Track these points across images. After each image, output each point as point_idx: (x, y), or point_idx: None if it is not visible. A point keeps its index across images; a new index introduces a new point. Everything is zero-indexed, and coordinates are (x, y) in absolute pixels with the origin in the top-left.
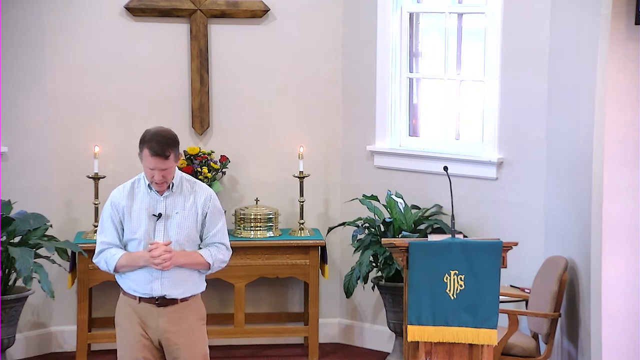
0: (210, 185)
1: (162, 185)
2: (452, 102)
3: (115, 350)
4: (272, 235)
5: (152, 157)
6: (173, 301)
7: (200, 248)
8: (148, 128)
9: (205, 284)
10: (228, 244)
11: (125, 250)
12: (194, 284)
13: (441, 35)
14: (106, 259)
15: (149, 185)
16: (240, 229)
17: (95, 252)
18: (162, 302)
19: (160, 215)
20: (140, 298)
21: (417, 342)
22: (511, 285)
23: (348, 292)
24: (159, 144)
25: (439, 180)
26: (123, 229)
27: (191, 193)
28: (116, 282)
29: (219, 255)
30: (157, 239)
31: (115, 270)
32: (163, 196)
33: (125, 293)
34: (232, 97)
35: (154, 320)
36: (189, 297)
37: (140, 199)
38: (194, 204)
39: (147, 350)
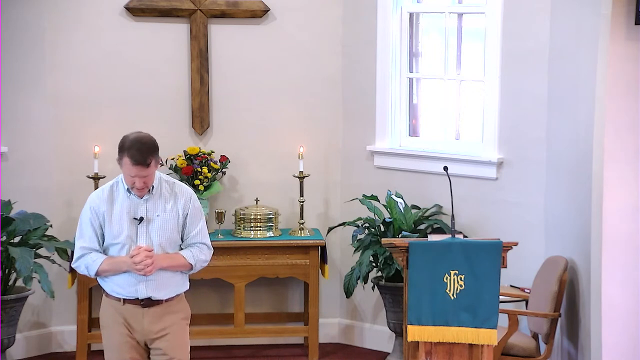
0: (210, 186)
1: (143, 191)
2: (452, 102)
3: None
4: (272, 235)
5: (134, 166)
6: (158, 302)
7: (181, 249)
8: (126, 134)
9: (189, 284)
10: (209, 243)
11: (106, 254)
12: (177, 285)
13: (441, 35)
14: (87, 264)
15: (127, 189)
16: (240, 229)
17: (74, 256)
18: (147, 303)
19: (142, 218)
20: (124, 300)
21: (417, 342)
22: (511, 285)
23: (348, 292)
24: (140, 151)
25: (439, 180)
26: (103, 234)
27: (171, 195)
28: None
29: (200, 255)
30: (140, 242)
31: (97, 275)
32: (143, 199)
33: (108, 295)
34: (232, 97)
35: (138, 321)
36: (174, 296)
37: (120, 202)
38: (175, 206)
39: (134, 351)
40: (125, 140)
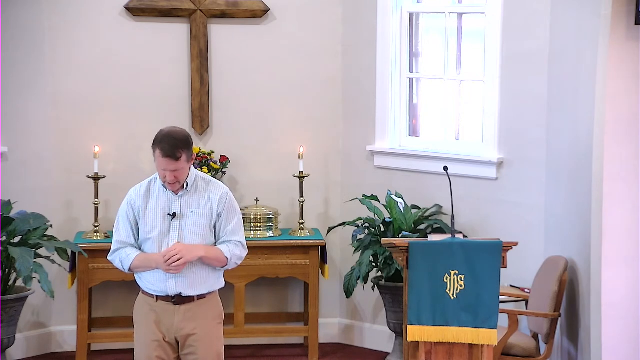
0: None
1: (175, 186)
2: (452, 102)
3: (115, 350)
4: (272, 235)
5: (163, 159)
6: (189, 299)
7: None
8: (162, 128)
9: (224, 282)
10: (244, 241)
11: (141, 250)
12: (208, 282)
13: (441, 35)
14: (121, 258)
15: (164, 184)
16: None
17: (111, 250)
18: (179, 300)
19: (174, 214)
20: (157, 297)
21: (417, 342)
22: (511, 285)
23: (348, 292)
24: (170, 145)
25: (439, 180)
26: (138, 229)
27: (206, 192)
28: (117, 282)
29: (236, 251)
30: (172, 238)
31: (130, 270)
32: (178, 195)
33: (144, 292)
34: (232, 97)
35: (170, 317)
36: (206, 294)
37: (156, 198)
38: (209, 203)
39: (161, 350)
40: (158, 134)
